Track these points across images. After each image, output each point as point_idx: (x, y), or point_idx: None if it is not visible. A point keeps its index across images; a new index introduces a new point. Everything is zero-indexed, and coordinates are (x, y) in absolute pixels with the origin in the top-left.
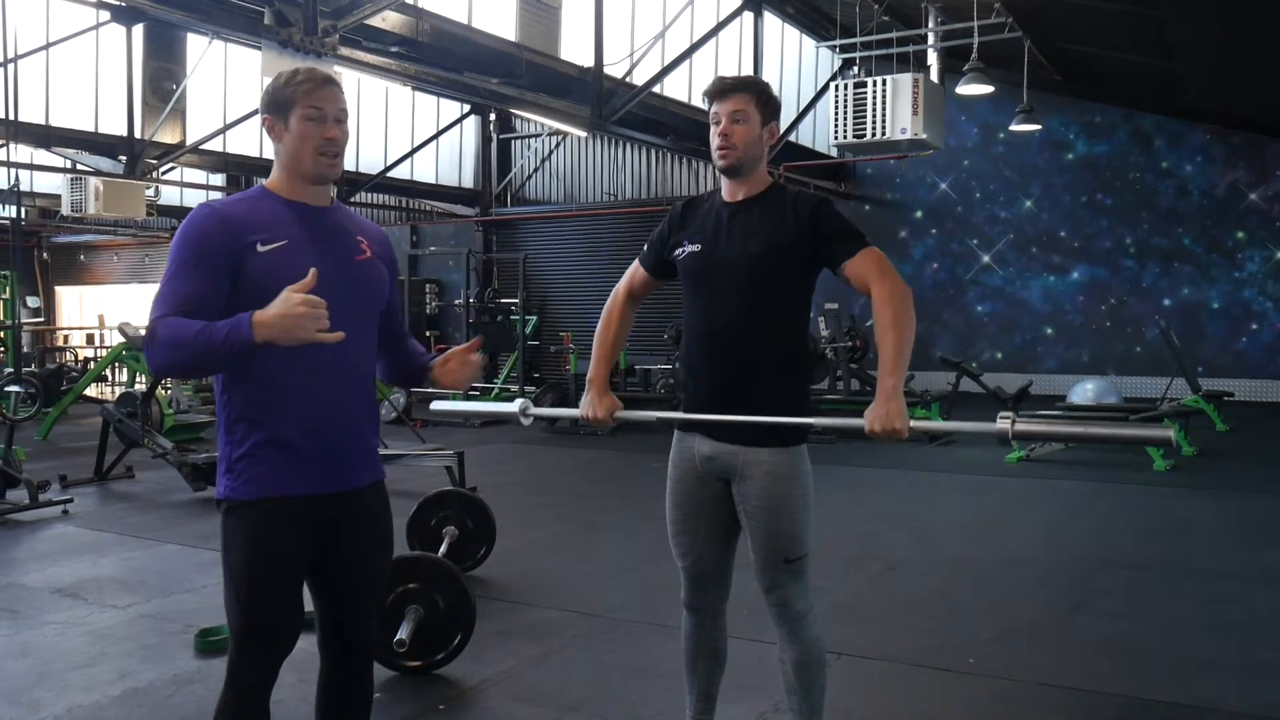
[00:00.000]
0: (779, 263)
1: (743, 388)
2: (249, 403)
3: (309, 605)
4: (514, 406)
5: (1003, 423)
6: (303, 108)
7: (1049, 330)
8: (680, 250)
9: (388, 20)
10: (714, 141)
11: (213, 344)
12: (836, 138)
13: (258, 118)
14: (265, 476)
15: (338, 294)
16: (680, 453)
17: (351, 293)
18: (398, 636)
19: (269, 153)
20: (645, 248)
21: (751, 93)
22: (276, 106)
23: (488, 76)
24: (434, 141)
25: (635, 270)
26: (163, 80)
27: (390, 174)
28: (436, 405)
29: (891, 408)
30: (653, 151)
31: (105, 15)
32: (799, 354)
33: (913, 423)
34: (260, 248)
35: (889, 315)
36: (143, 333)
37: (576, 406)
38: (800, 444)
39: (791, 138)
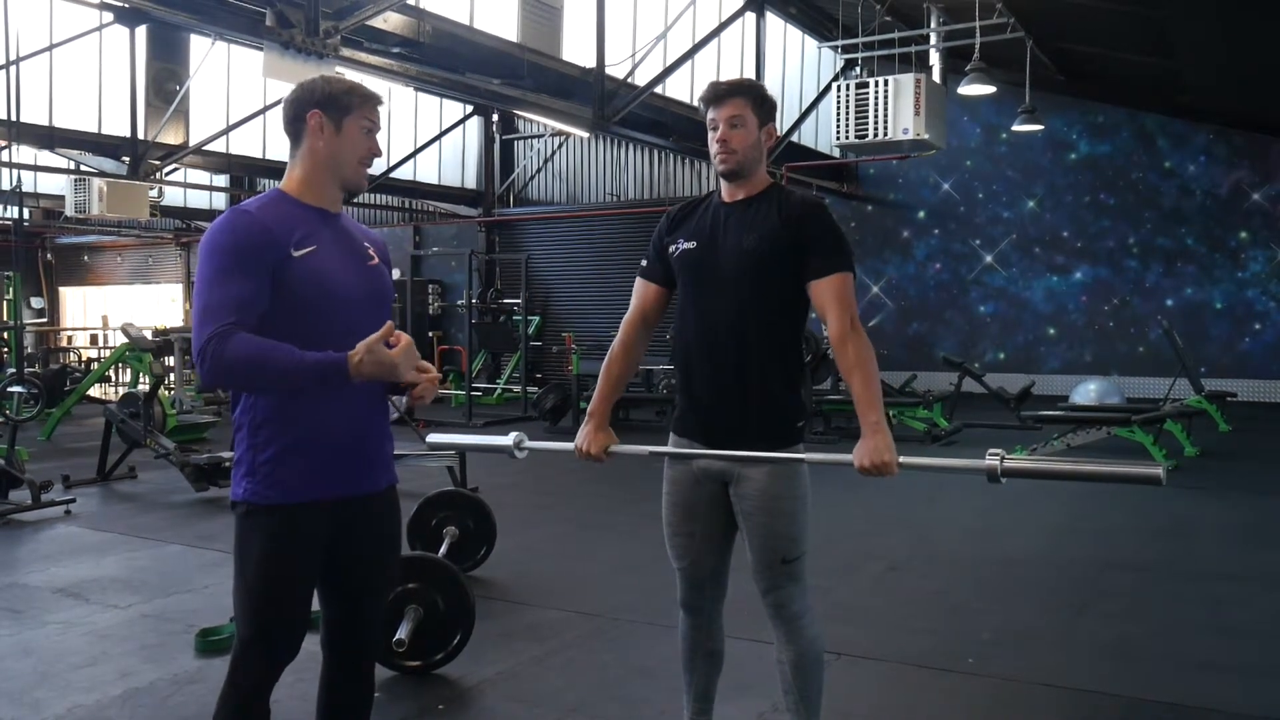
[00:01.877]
0: (774, 259)
1: (738, 385)
2: (275, 406)
3: (314, 605)
4: (509, 440)
5: (991, 460)
6: (360, 118)
7: (1052, 330)
8: (675, 248)
9: (389, 21)
10: (713, 148)
11: (304, 369)
12: (839, 138)
13: (260, 119)
14: (290, 481)
15: (361, 297)
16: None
17: (370, 295)
18: (397, 636)
19: (272, 154)
20: (645, 263)
21: (747, 97)
22: (332, 105)
23: (490, 77)
24: (436, 142)
25: (643, 290)
26: (166, 81)
27: (393, 175)
28: (432, 438)
29: (879, 442)
30: (655, 152)
31: (108, 17)
32: (794, 351)
33: (901, 459)
34: (295, 252)
35: (851, 355)
36: (148, 334)
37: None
38: (797, 443)
39: (794, 138)
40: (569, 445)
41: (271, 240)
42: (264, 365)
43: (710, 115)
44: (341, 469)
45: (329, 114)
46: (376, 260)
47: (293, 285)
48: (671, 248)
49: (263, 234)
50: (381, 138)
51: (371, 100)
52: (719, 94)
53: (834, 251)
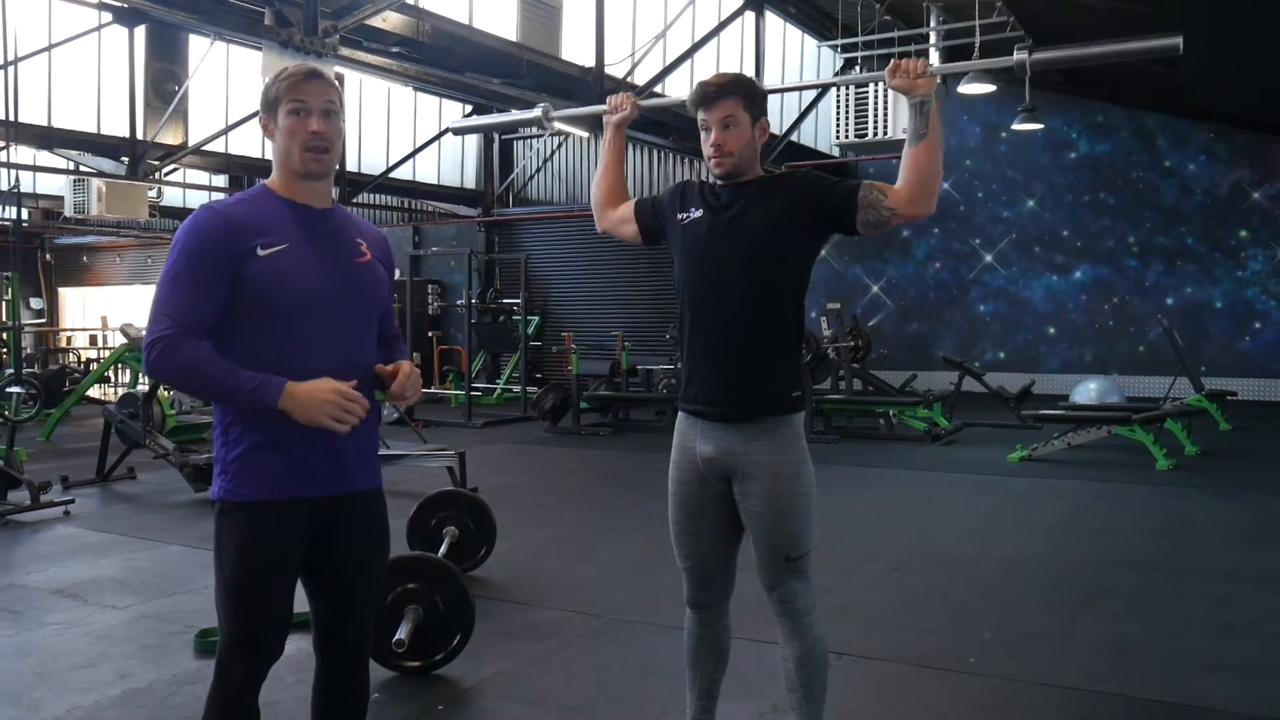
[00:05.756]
0: (778, 237)
1: (742, 352)
2: None
3: (302, 606)
4: (536, 111)
5: (1020, 54)
6: (288, 102)
7: (1051, 330)
8: (684, 216)
9: (388, 21)
10: (706, 150)
11: (236, 392)
12: (838, 137)
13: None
14: (262, 478)
15: (338, 296)
16: (682, 453)
17: (351, 295)
18: (397, 637)
19: (270, 153)
20: (641, 200)
21: (738, 95)
22: (267, 105)
23: (489, 77)
24: (436, 142)
25: (629, 209)
26: (165, 81)
27: (392, 175)
28: (453, 125)
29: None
30: (654, 152)
31: (107, 17)
32: (795, 322)
33: (933, 66)
34: (261, 251)
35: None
36: (145, 333)
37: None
38: (796, 412)
39: (793, 137)
40: (601, 108)
41: (234, 239)
42: (201, 375)
43: (701, 117)
44: (316, 467)
45: (269, 114)
46: (369, 257)
47: (254, 283)
48: (680, 215)
49: (225, 233)
50: (380, 137)
51: (295, 78)
52: (708, 96)
53: (841, 180)
